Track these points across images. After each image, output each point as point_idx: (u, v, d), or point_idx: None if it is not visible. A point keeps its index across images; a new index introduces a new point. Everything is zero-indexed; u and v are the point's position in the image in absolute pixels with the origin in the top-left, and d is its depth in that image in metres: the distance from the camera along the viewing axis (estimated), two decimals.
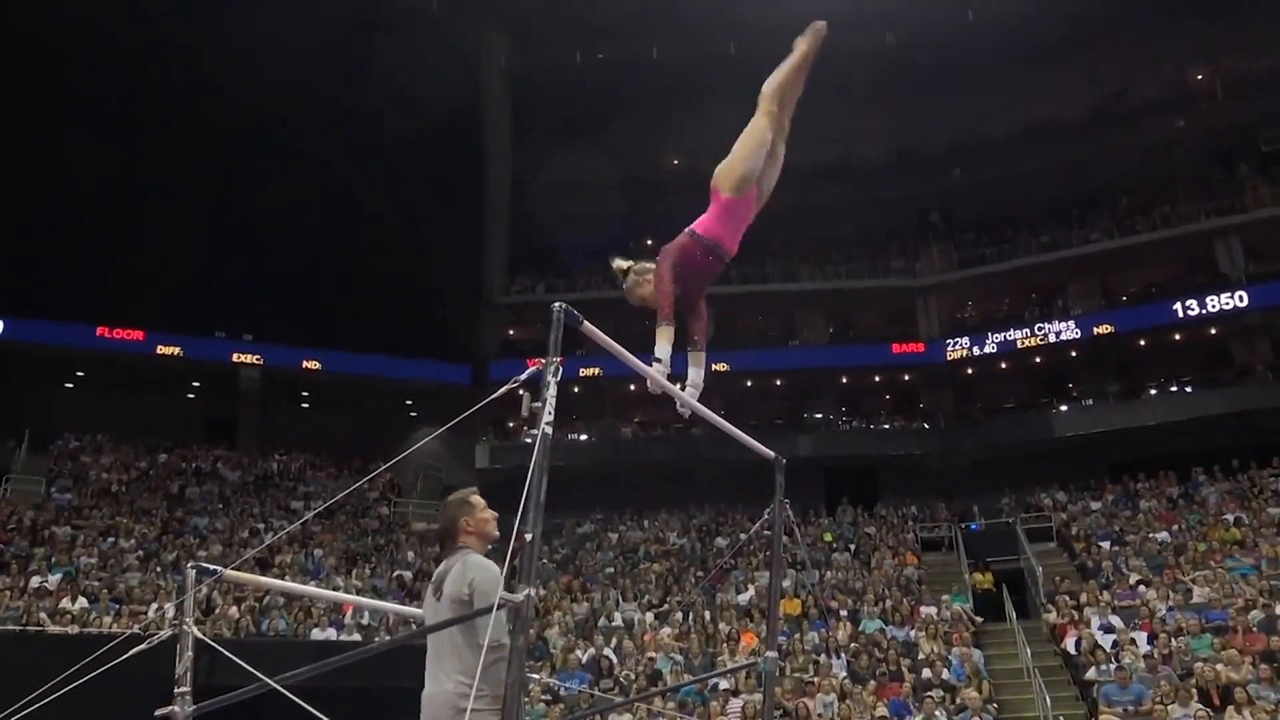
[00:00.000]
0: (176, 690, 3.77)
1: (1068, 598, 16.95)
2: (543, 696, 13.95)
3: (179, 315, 27.38)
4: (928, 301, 28.47)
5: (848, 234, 29.98)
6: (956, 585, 19.64)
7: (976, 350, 27.09)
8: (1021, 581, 19.90)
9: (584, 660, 15.83)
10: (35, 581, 18.66)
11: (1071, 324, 26.27)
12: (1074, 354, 26.87)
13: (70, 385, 27.89)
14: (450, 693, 3.76)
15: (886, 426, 27.91)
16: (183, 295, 27.24)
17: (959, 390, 28.37)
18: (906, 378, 28.70)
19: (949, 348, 27.35)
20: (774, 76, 4.96)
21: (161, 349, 27.47)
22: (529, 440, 3.80)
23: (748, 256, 30.06)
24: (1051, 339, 26.29)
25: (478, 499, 4.20)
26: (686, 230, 5.01)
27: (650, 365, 4.64)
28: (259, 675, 3.92)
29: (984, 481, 24.59)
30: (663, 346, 4.70)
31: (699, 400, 5.01)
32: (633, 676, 15.15)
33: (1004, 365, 27.55)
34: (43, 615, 17.33)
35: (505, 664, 3.68)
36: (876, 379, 29.01)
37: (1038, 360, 27.15)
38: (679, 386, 4.87)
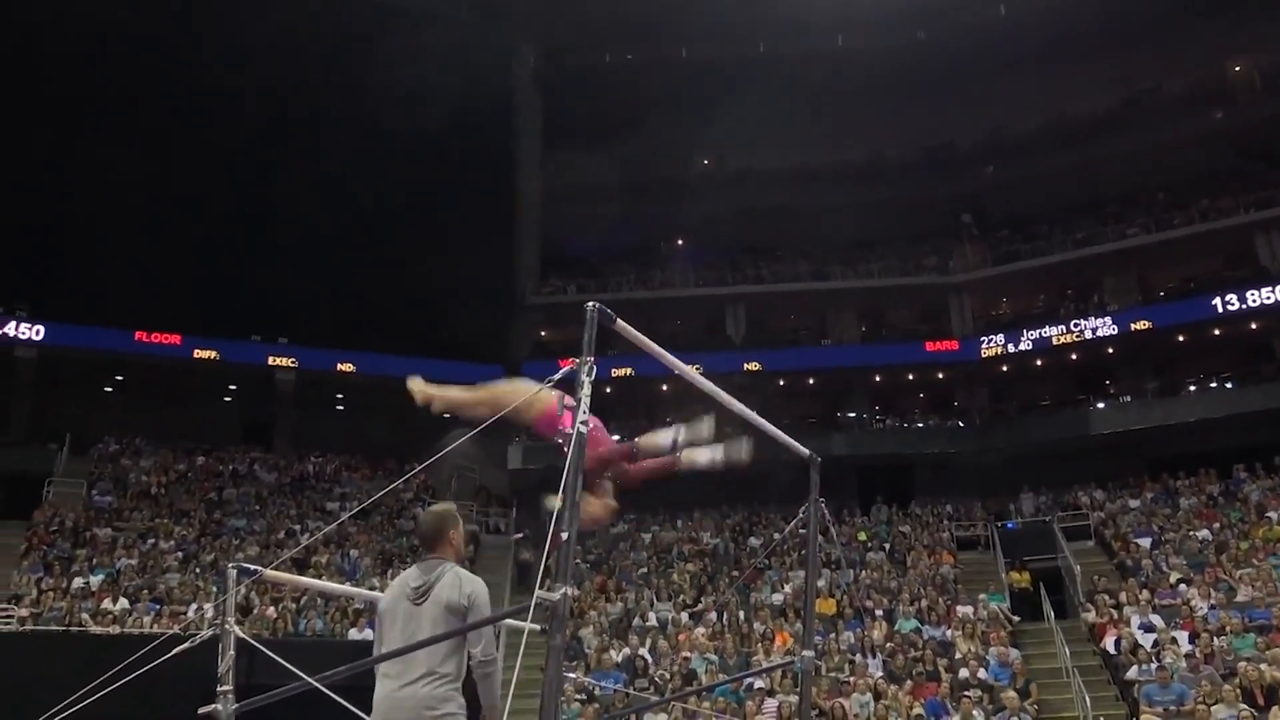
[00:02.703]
0: (219, 688, 3.82)
1: (1107, 596, 16.75)
2: (577, 696, 13.97)
3: (215, 319, 27.75)
4: (961, 299, 28.25)
5: (879, 232, 29.82)
6: (993, 584, 19.48)
7: (1011, 347, 26.84)
8: (1059, 581, 19.69)
9: (619, 660, 15.84)
10: (77, 583, 18.96)
11: (1108, 320, 25.95)
12: (1111, 350, 26.56)
13: (110, 389, 28.28)
14: (425, 695, 3.86)
15: (920, 425, 27.73)
16: (219, 300, 27.56)
17: (994, 388, 28.13)
18: (940, 376, 28.49)
19: (983, 345, 27.12)
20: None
21: (199, 353, 27.86)
22: (561, 440, 3.82)
23: (779, 256, 30.05)
24: (1088, 335, 26.00)
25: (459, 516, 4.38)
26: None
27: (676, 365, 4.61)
28: (299, 674, 3.98)
29: (1020, 480, 24.35)
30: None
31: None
32: (668, 676, 15.14)
33: (1039, 362, 27.28)
34: (85, 615, 17.60)
35: (494, 679, 4.02)
36: (910, 377, 28.81)
37: (1074, 357, 26.86)
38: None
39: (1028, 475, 24.28)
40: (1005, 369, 27.58)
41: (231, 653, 3.85)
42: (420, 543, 4.32)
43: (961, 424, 27.31)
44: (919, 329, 29.04)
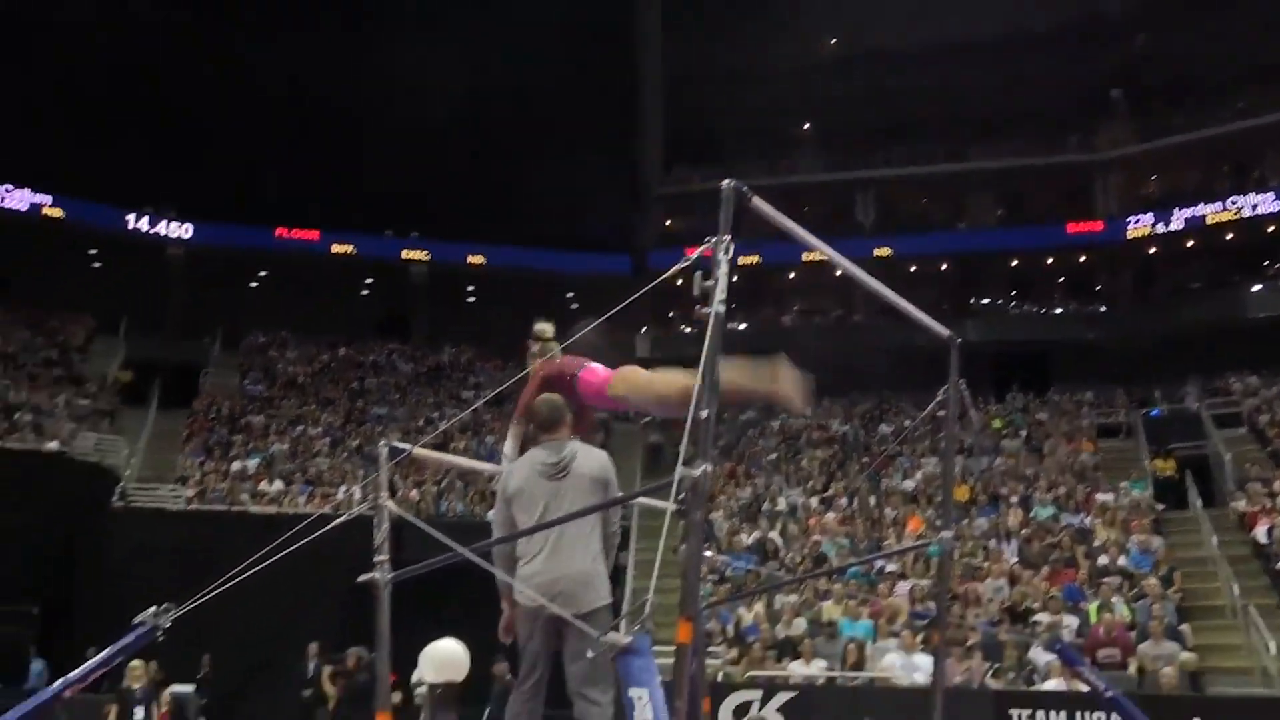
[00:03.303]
0: (376, 559, 3.98)
1: (1260, 485, 16.06)
2: (709, 576, 14.24)
3: (350, 215, 28.53)
4: (1107, 177, 26.83)
5: (1020, 110, 28.34)
6: (1135, 472, 18.85)
7: (1161, 228, 25.46)
8: (1206, 469, 18.93)
9: (749, 543, 16.05)
10: (236, 466, 20.13)
11: (1270, 196, 24.28)
12: (1271, 229, 24.89)
13: (254, 285, 29.55)
14: (581, 570, 3.99)
15: (1059, 310, 26.76)
16: (353, 196, 28.27)
17: (1140, 271, 26.84)
18: (1082, 259, 27.33)
19: (1130, 226, 25.80)
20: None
21: (335, 248, 28.87)
22: (697, 323, 3.73)
23: (912, 138, 28.96)
24: (1246, 213, 24.42)
25: None
26: (577, 365, 4.69)
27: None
28: (452, 544, 4.13)
29: (1166, 366, 23.33)
30: (510, 445, 4.59)
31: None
32: (798, 559, 15.30)
33: (1191, 243, 25.83)
34: (245, 496, 18.73)
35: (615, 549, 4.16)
36: (1049, 261, 27.71)
37: (1229, 237, 25.31)
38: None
39: (1175, 361, 23.22)
40: (1153, 250, 26.25)
41: (386, 525, 4.01)
42: (538, 427, 4.37)
43: (1104, 309, 26.24)
44: (1060, 210, 27.76)
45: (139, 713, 10.70)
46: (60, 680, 4.58)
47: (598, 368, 4.71)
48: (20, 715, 4.53)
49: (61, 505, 17.62)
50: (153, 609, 4.37)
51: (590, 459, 4.25)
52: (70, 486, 18.16)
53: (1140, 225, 25.68)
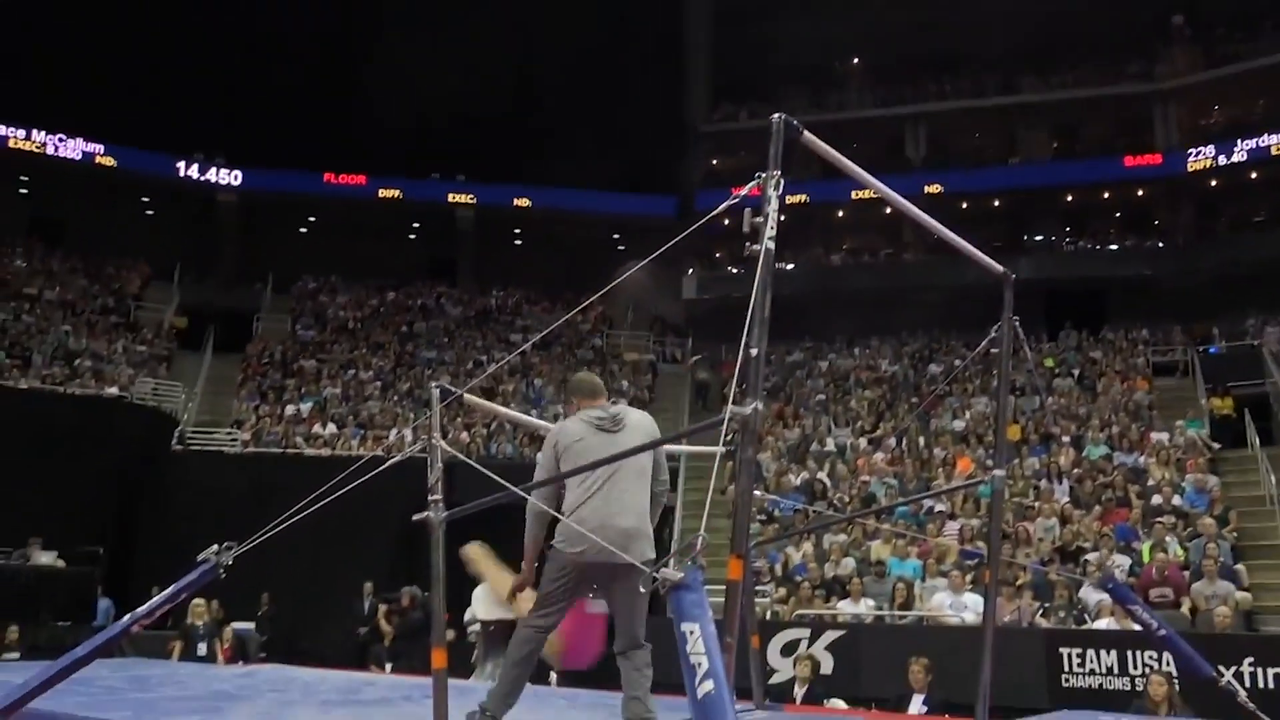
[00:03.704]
0: (430, 498, 4.04)
1: None
2: (758, 516, 14.29)
3: (397, 159, 28.60)
4: (1167, 108, 25.99)
5: (1076, 38, 27.49)
6: (1192, 411, 18.53)
7: (1223, 160, 24.65)
8: (1266, 407, 18.55)
9: (797, 483, 16.08)
10: (290, 410, 20.48)
11: None
12: None
13: (304, 230, 29.80)
14: (635, 526, 4.10)
15: (1115, 247, 26.16)
16: (399, 140, 28.30)
17: (1200, 204, 26.07)
18: (1140, 193, 26.61)
19: (1190, 158, 25.03)
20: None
21: (383, 192, 28.98)
22: (743, 263, 3.68)
23: (964, 70, 28.26)
24: None
25: None
26: None
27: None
28: (505, 484, 4.19)
29: (1226, 302, 22.77)
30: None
31: None
32: (846, 499, 15.30)
33: (1254, 175, 24.98)
34: (299, 439, 19.07)
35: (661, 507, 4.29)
36: (1106, 196, 27.00)
37: None
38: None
39: (1235, 297, 22.66)
40: (1214, 183, 25.46)
41: (439, 465, 4.06)
42: (583, 397, 4.45)
43: (1161, 244, 25.60)
44: (1117, 143, 27.00)
45: (202, 648, 11.03)
46: (128, 616, 4.73)
47: None
48: (91, 648, 4.70)
49: (124, 449, 18.11)
50: (215, 547, 4.49)
51: (643, 417, 4.40)
52: (131, 431, 18.63)
53: (1201, 158, 24.91)
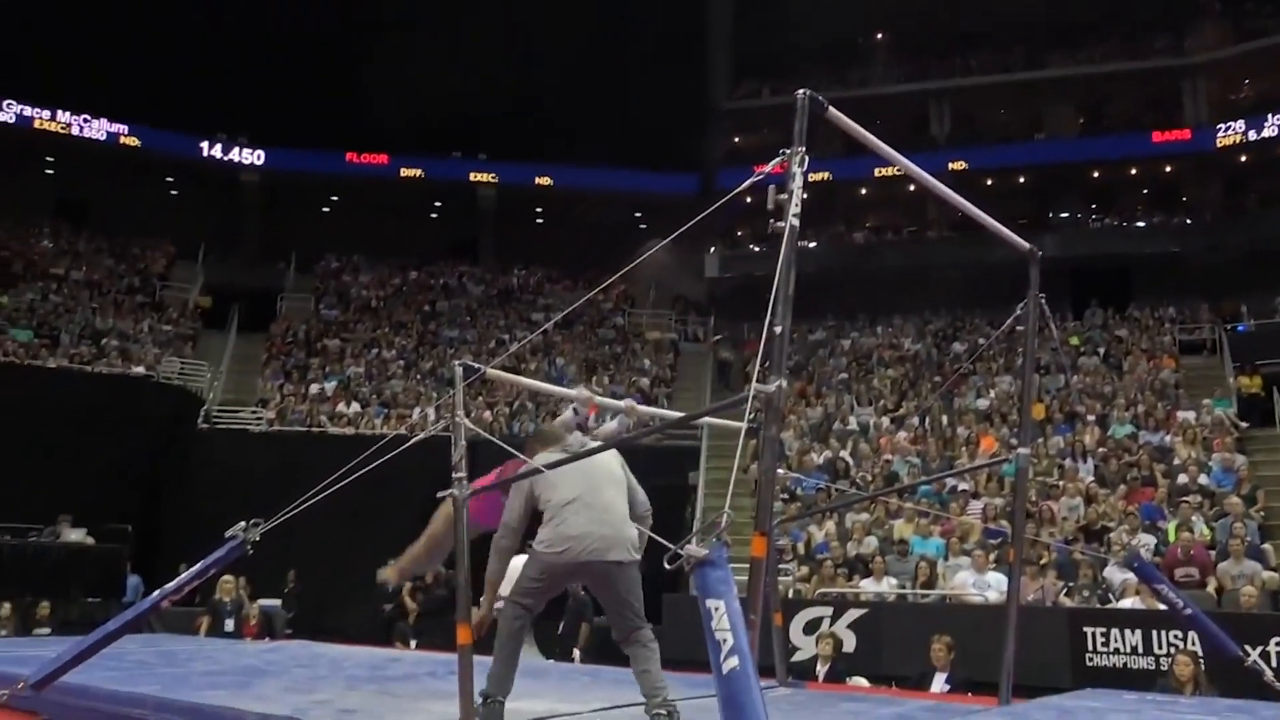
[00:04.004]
0: (454, 475, 4.05)
1: None
2: (780, 494, 14.29)
3: (418, 138, 28.60)
4: (1196, 83, 25.64)
5: (1103, 11, 27.12)
6: (1219, 389, 18.36)
7: (1253, 135, 24.31)
8: None
9: (819, 462, 16.04)
10: (314, 388, 20.61)
11: None
12: None
13: (326, 209, 29.90)
14: (620, 531, 4.19)
15: (1142, 224, 25.87)
16: (420, 120, 28.27)
17: (1229, 180, 25.74)
18: (1167, 169, 26.30)
19: (1220, 133, 24.69)
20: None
21: (404, 171, 29.04)
22: (766, 241, 3.67)
23: (989, 45, 27.94)
24: None
25: None
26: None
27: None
28: (530, 461, 4.22)
29: (1255, 280, 22.48)
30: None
31: None
32: (869, 478, 15.27)
33: None
34: (323, 418, 19.19)
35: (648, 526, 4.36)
36: (1132, 172, 26.71)
37: None
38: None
39: (1264, 275, 22.35)
40: (1244, 159, 25.11)
41: (463, 442, 4.07)
42: (542, 445, 4.56)
43: (1189, 221, 25.31)
44: (1145, 118, 26.66)
45: (230, 624, 11.16)
46: (158, 592, 4.80)
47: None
48: (121, 624, 4.77)
49: (151, 428, 18.29)
50: (242, 524, 4.53)
51: (610, 453, 4.46)
52: (158, 410, 18.79)
53: (1231, 133, 24.58)
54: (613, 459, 4.41)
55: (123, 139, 26.98)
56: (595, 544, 4.07)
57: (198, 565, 4.68)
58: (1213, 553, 11.10)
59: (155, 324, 22.10)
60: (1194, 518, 11.96)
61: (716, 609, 2.76)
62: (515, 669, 4.16)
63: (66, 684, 4.67)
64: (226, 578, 11.00)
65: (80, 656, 4.58)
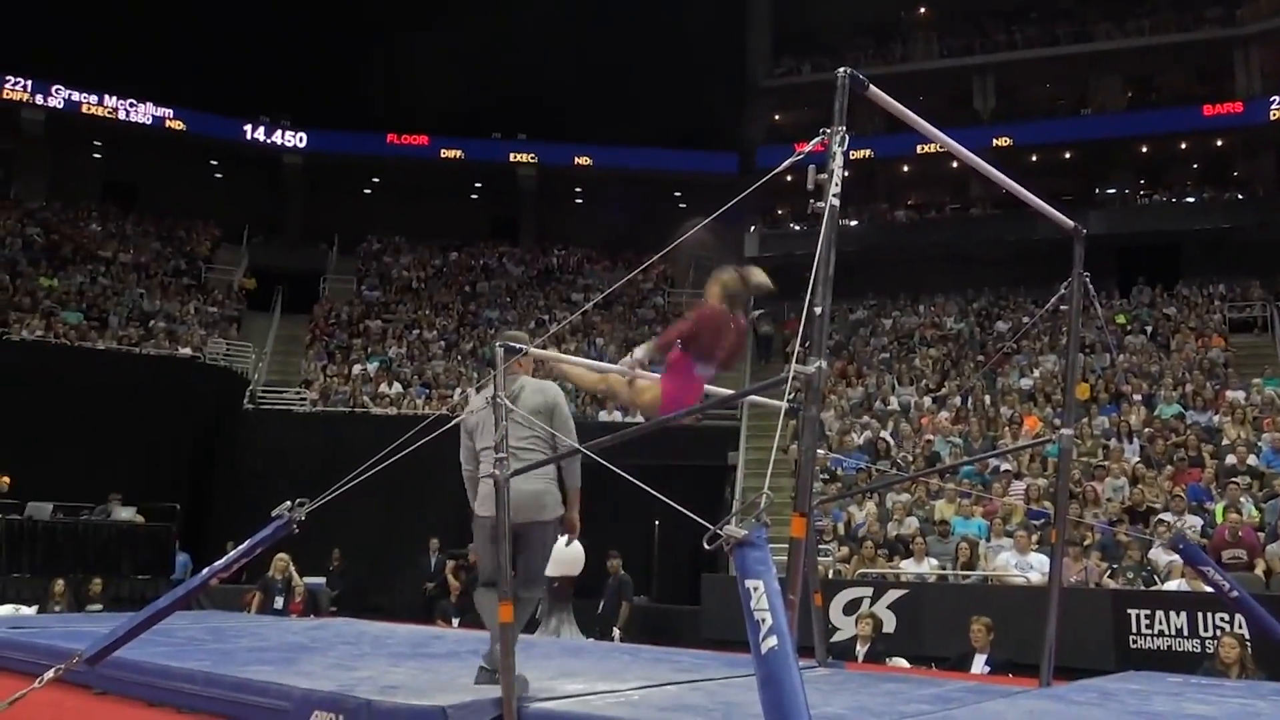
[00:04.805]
0: (495, 456, 4.07)
1: None
2: (820, 475, 14.23)
3: (458, 119, 28.69)
4: (1249, 54, 25.06)
5: None
6: (1270, 368, 18.02)
7: None
8: None
9: (860, 442, 15.97)
10: (356, 369, 20.81)
11: None
12: None
13: (368, 191, 30.10)
14: (535, 489, 4.41)
15: (1191, 199, 25.39)
16: (460, 100, 28.37)
17: None
18: (1219, 144, 25.77)
19: (1273, 106, 24.11)
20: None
21: (445, 152, 29.14)
22: (806, 219, 3.65)
23: (1034, 18, 27.48)
24: None
25: None
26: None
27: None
28: (569, 441, 4.25)
29: None
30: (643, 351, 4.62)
31: None
32: (910, 458, 15.17)
33: None
34: (365, 398, 19.38)
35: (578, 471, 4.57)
36: (1182, 146, 26.19)
37: None
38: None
39: None
40: None
41: (504, 423, 4.08)
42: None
43: (1241, 196, 24.79)
44: (1196, 92, 26.12)
45: (279, 601, 11.34)
46: (207, 569, 4.89)
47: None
48: (172, 601, 4.87)
49: (198, 408, 18.60)
50: (288, 503, 4.60)
51: (534, 394, 4.59)
52: (205, 390, 19.09)
53: None
54: (531, 411, 4.45)
55: (168, 122, 27.31)
56: (515, 504, 4.17)
57: (245, 544, 4.76)
58: (1261, 535, 10.92)
59: (201, 306, 22.41)
60: (1242, 499, 11.76)
61: (755, 589, 2.77)
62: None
63: (119, 659, 4.79)
64: (280, 555, 11.15)
65: (132, 632, 4.68)
